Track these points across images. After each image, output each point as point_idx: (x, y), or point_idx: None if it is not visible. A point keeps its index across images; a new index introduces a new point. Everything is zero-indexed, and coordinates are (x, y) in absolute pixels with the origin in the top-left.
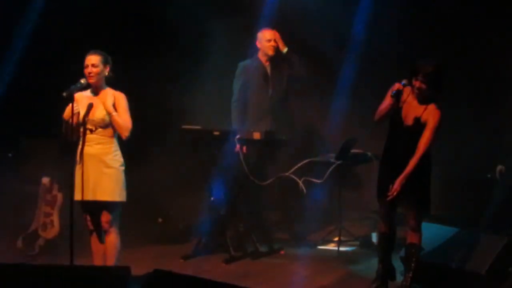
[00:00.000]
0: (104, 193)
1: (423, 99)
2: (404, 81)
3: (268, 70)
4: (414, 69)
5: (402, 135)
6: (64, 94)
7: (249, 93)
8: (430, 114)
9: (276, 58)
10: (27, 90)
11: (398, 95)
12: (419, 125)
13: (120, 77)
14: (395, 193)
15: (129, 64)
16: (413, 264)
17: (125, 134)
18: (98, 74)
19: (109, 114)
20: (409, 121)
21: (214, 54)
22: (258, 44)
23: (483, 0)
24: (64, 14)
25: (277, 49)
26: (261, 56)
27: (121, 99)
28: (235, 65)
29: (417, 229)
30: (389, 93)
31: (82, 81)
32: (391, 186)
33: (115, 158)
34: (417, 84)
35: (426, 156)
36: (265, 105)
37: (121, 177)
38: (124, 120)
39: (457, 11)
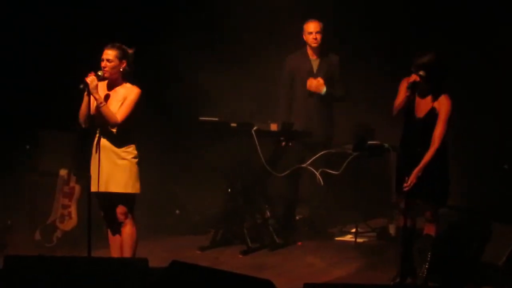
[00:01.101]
0: (117, 185)
1: (427, 90)
2: (421, 72)
3: (314, 64)
4: (411, 62)
5: (416, 127)
6: (81, 86)
7: (294, 86)
8: (441, 105)
9: (324, 52)
10: (45, 82)
11: (414, 86)
12: (431, 116)
13: (138, 69)
14: (411, 185)
15: (148, 54)
16: (429, 256)
17: (111, 124)
18: (112, 69)
19: (98, 104)
20: (421, 113)
21: (238, 45)
22: (303, 37)
23: None
24: (82, 5)
25: (322, 43)
26: (308, 49)
27: (132, 93)
28: (262, 56)
29: (434, 220)
30: (402, 86)
31: (99, 73)
32: (407, 178)
33: (128, 150)
34: (413, 76)
35: (442, 147)
36: (309, 100)
37: (135, 169)
38: (114, 112)
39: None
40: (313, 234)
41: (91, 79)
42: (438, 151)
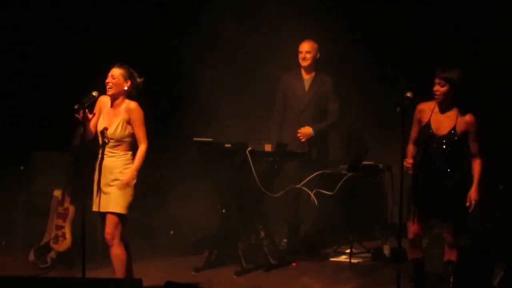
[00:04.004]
0: (107, 205)
1: (447, 105)
2: (408, 94)
3: (307, 83)
4: (434, 75)
5: (437, 146)
6: (76, 106)
7: (287, 106)
8: (467, 123)
9: (316, 72)
10: (39, 103)
11: (404, 108)
12: (454, 133)
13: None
14: (474, 204)
15: (145, 72)
16: (451, 285)
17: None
18: (115, 85)
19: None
20: (442, 131)
21: (233, 64)
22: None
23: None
24: (82, 30)
25: (313, 63)
26: (302, 69)
27: (136, 112)
28: (257, 75)
29: (455, 245)
30: (416, 115)
31: (94, 93)
32: (470, 199)
33: (125, 171)
34: (435, 87)
35: (465, 167)
36: (300, 119)
37: (125, 190)
38: (140, 153)
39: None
40: (307, 254)
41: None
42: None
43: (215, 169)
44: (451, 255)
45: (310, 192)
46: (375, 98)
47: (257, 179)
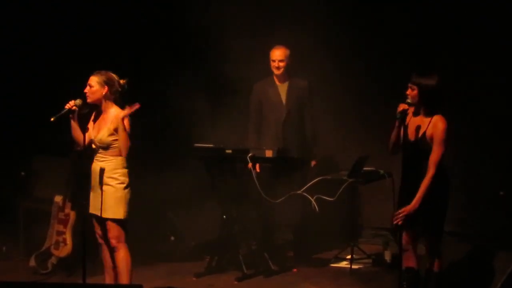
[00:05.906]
0: (104, 211)
1: (420, 110)
2: (409, 100)
3: (282, 90)
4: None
5: (411, 152)
6: (52, 119)
7: (264, 113)
8: (435, 128)
9: (291, 77)
10: (40, 109)
11: (403, 115)
12: (424, 139)
13: (133, 92)
14: (400, 219)
15: (143, 79)
16: None
17: (125, 153)
18: (92, 94)
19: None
20: (415, 136)
21: (229, 72)
22: (270, 63)
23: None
24: (80, 33)
25: (286, 70)
26: (274, 76)
27: (120, 122)
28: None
29: (436, 254)
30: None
31: (77, 101)
32: (398, 210)
33: (114, 176)
34: (407, 91)
35: (440, 174)
36: (278, 126)
37: (119, 195)
38: (122, 139)
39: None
40: (308, 261)
41: (72, 104)
42: (436, 177)
43: (215, 175)
44: (432, 264)
45: (310, 198)
46: (375, 103)
47: (257, 185)
